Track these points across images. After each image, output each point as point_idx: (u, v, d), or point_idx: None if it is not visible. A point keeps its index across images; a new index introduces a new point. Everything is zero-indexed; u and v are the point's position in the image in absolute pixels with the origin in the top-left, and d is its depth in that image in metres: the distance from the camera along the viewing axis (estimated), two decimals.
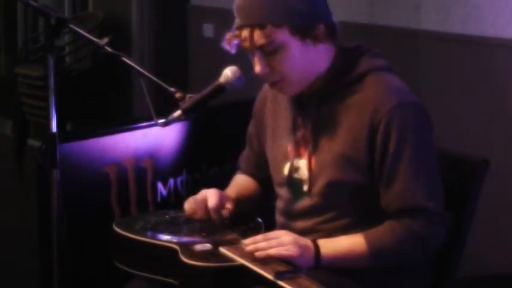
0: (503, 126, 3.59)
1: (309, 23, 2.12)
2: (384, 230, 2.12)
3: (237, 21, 2.14)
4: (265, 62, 2.13)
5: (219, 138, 3.12)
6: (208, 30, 5.08)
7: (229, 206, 2.28)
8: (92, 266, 2.73)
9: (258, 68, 2.14)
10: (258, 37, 2.09)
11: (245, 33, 2.11)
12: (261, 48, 2.11)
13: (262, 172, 2.39)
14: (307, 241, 2.10)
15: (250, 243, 2.07)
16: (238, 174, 2.49)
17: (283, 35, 2.10)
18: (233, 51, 2.18)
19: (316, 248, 2.09)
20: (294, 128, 2.23)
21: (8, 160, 5.79)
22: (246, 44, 2.12)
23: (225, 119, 3.19)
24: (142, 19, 5.63)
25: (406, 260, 2.16)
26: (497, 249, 3.59)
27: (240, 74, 2.18)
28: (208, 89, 2.20)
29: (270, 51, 2.11)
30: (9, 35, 7.02)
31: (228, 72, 2.18)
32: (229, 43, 2.16)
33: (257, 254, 2.03)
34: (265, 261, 2.02)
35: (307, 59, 2.14)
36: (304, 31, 2.11)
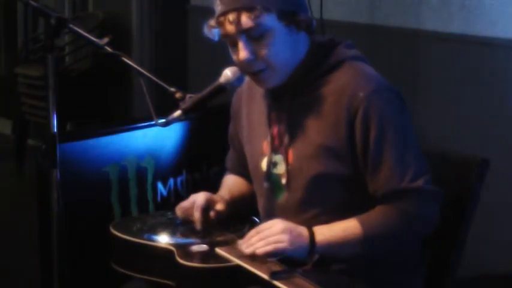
0: (503, 126, 3.59)
1: (295, 9, 2.12)
2: (377, 215, 2.12)
3: (222, 7, 2.09)
4: (250, 48, 2.10)
5: (219, 138, 3.11)
6: None
7: (219, 207, 2.28)
8: (92, 265, 2.73)
9: (242, 54, 2.10)
10: (246, 20, 2.06)
11: (231, 17, 2.07)
12: (246, 33, 2.08)
13: (248, 170, 2.39)
14: (301, 229, 2.08)
15: (244, 241, 2.07)
16: (228, 175, 2.49)
17: (270, 20, 2.08)
18: (216, 38, 2.15)
19: (311, 235, 2.08)
20: (269, 123, 2.22)
21: (8, 160, 5.79)
22: (231, 29, 2.08)
23: (225, 119, 3.19)
24: (142, 19, 5.62)
25: (401, 242, 2.16)
26: (497, 249, 3.58)
27: (240, 74, 2.18)
28: (208, 89, 2.20)
29: (256, 36, 2.09)
30: (9, 35, 7.02)
31: (228, 72, 2.18)
32: (211, 30, 2.14)
33: (246, 250, 2.03)
34: (261, 260, 2.01)
35: (290, 47, 2.13)
36: (290, 17, 2.10)
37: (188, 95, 2.19)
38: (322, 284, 1.93)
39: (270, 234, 2.05)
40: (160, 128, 2.24)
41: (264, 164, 2.24)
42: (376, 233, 2.10)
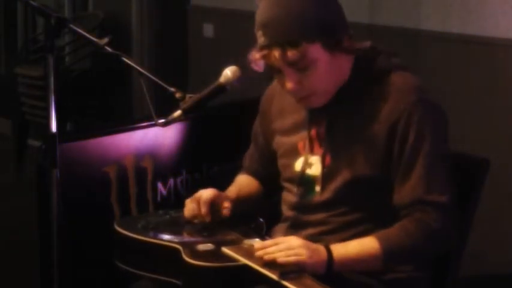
0: (503, 126, 3.59)
1: (338, 35, 2.13)
2: (396, 230, 2.11)
3: (264, 40, 2.10)
4: (297, 77, 2.12)
5: (219, 138, 3.12)
6: (208, 30, 5.07)
7: (227, 204, 2.28)
8: (92, 265, 2.73)
9: (289, 84, 2.12)
10: (292, 55, 2.07)
11: (276, 52, 2.08)
12: (293, 65, 2.10)
13: (265, 170, 2.40)
14: (318, 245, 2.08)
15: (260, 248, 2.06)
16: (240, 175, 2.49)
17: (315, 51, 2.09)
18: (261, 70, 2.16)
19: (329, 251, 2.07)
20: (308, 124, 2.23)
21: (8, 160, 5.78)
22: (277, 61, 2.10)
23: (225, 119, 3.19)
24: (142, 19, 5.62)
25: (419, 256, 2.16)
26: (497, 249, 3.58)
27: (240, 74, 2.18)
28: (208, 89, 2.20)
29: (302, 68, 2.10)
30: (9, 35, 7.02)
31: (228, 72, 2.18)
32: (257, 63, 2.14)
33: (266, 257, 2.01)
34: (268, 261, 2.01)
35: (334, 71, 2.15)
36: (335, 44, 2.12)
37: (188, 95, 2.20)
38: (332, 284, 1.93)
39: (290, 247, 2.04)
40: (160, 128, 2.24)
41: (298, 164, 2.25)
42: (395, 249, 2.10)
